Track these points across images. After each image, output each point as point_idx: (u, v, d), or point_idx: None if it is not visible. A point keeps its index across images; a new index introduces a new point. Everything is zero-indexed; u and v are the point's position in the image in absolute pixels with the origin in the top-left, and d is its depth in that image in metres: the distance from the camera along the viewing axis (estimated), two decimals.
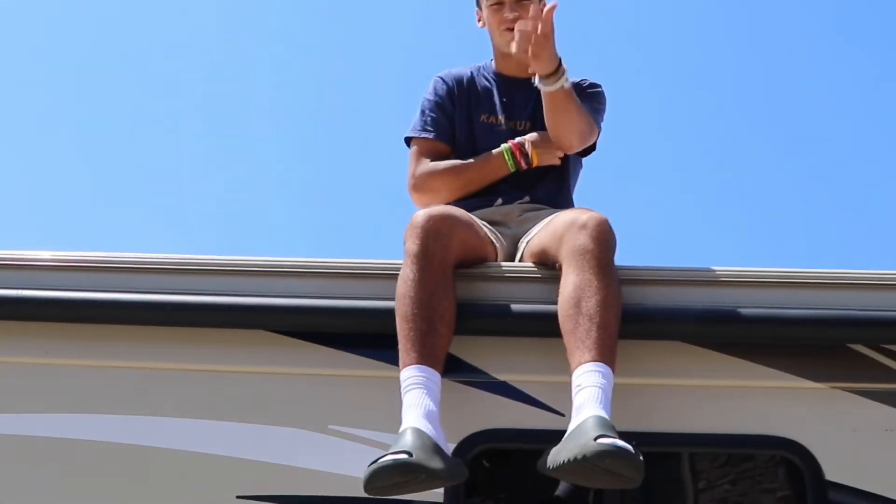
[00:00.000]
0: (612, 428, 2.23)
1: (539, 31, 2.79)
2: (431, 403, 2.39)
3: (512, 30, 3.10)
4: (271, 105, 10.24)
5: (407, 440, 2.28)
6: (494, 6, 3.18)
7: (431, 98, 3.25)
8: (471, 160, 3.11)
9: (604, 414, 2.27)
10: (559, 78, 2.89)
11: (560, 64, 2.89)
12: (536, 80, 2.93)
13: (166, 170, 10.02)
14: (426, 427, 2.32)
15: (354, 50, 10.21)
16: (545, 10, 2.84)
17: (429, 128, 3.21)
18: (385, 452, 2.26)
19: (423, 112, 3.24)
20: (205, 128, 10.06)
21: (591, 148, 3.21)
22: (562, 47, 2.90)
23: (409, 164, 3.19)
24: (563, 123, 3.00)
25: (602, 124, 3.21)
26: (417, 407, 2.37)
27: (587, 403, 2.30)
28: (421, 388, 2.40)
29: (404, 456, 2.23)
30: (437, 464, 2.25)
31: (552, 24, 2.81)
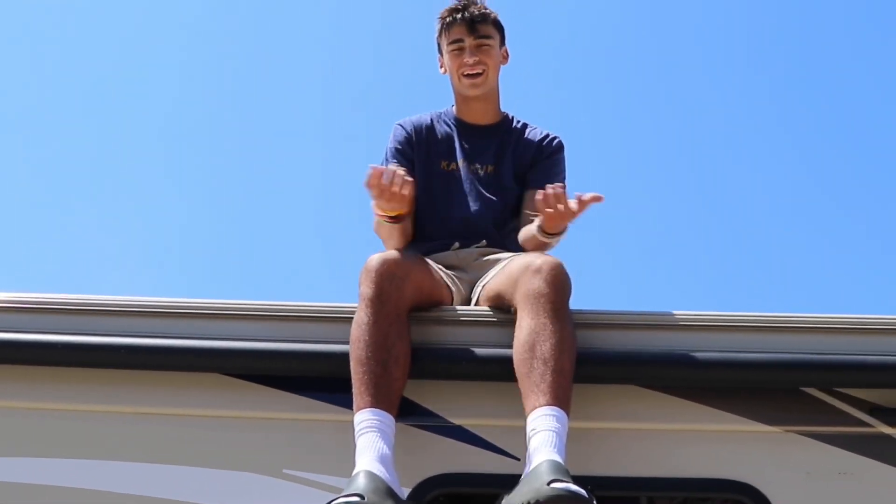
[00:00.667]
0: (567, 472, 2.22)
1: (572, 212, 2.74)
2: (385, 447, 2.38)
3: (469, 76, 3.16)
4: (229, 141, 10.18)
5: (360, 483, 2.26)
6: (455, 51, 3.20)
7: (392, 146, 3.26)
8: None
9: (558, 458, 2.27)
10: (560, 235, 2.88)
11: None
12: (537, 230, 2.89)
13: (117, 206, 9.92)
14: (379, 470, 2.30)
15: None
16: (590, 198, 2.74)
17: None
18: (337, 496, 2.24)
19: (385, 160, 3.24)
20: (155, 158, 9.92)
21: None
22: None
23: None
24: (540, 248, 2.97)
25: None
26: (371, 450, 2.36)
27: (541, 448, 2.30)
28: (375, 431, 2.39)
29: (356, 499, 2.22)
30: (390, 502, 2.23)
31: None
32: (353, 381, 2.48)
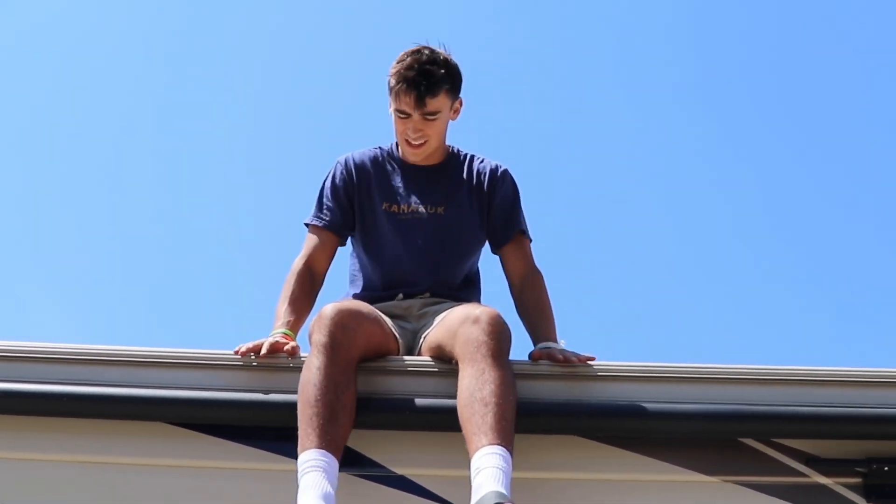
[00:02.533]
0: (511, 501, 2.25)
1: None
2: (329, 487, 2.37)
3: (412, 146, 3.07)
4: (172, 180, 10.00)
5: None
6: (400, 118, 3.05)
7: (329, 185, 3.18)
8: (283, 299, 2.98)
9: (503, 490, 2.28)
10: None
11: None
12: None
13: (58, 246, 9.72)
14: None
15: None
16: (586, 358, 2.77)
17: (322, 216, 3.16)
18: None
19: (319, 198, 3.19)
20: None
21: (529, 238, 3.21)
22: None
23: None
24: None
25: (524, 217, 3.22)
26: (315, 489, 2.34)
27: (486, 482, 2.30)
28: (319, 471, 2.38)
29: None
30: None
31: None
32: (300, 422, 2.48)
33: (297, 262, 3.08)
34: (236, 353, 2.73)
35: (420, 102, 2.99)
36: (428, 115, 3.03)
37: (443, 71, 3.01)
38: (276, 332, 2.84)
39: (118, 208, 9.54)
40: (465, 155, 3.25)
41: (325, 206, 3.17)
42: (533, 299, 3.04)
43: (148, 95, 9.53)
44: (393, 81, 3.02)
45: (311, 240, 3.14)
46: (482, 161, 3.24)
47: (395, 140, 3.21)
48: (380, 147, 3.26)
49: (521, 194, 3.23)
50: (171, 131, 9.68)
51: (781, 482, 2.66)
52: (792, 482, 2.66)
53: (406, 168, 3.19)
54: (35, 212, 9.40)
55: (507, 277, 3.16)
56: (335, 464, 2.42)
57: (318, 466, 2.39)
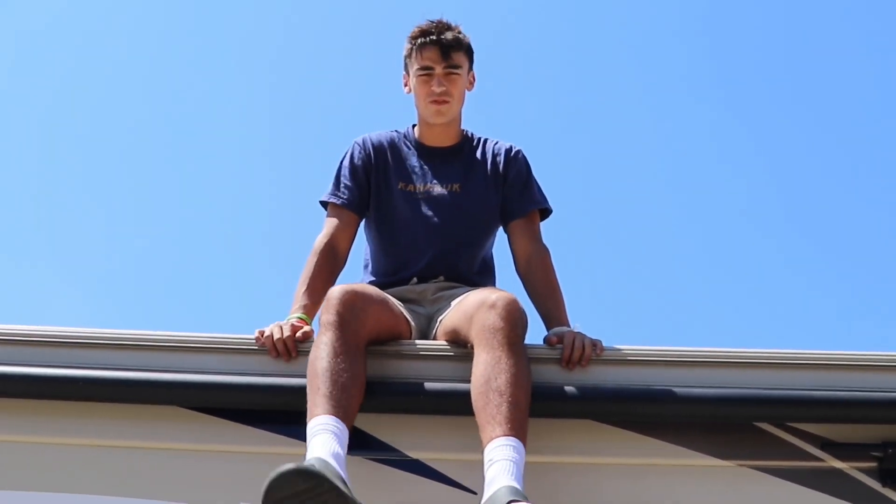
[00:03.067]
0: (524, 497, 2.24)
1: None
2: (339, 448, 2.34)
3: (437, 102, 3.11)
4: (180, 164, 10.02)
5: (310, 458, 2.26)
6: (423, 76, 3.12)
7: (347, 164, 3.20)
8: (303, 279, 2.99)
9: (516, 485, 2.28)
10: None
11: None
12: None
13: (78, 228, 9.75)
14: (332, 461, 2.28)
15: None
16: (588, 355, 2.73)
17: (339, 194, 3.17)
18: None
19: (336, 177, 3.20)
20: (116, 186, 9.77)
21: (549, 212, 3.22)
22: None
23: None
24: None
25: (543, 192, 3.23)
26: (324, 446, 2.32)
27: (499, 476, 2.31)
28: (329, 433, 2.36)
29: (307, 464, 2.20)
30: (341, 483, 2.20)
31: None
32: (309, 393, 2.46)
33: (319, 241, 3.08)
34: (256, 340, 2.73)
35: (444, 54, 3.10)
36: (451, 69, 3.11)
37: (460, 33, 3.13)
38: (292, 317, 2.84)
39: (134, 195, 9.60)
40: (480, 138, 3.29)
41: (342, 185, 3.18)
42: (541, 278, 3.04)
43: (165, 87, 9.61)
44: (415, 41, 3.13)
45: (331, 219, 3.14)
46: (496, 143, 3.27)
47: (412, 124, 3.27)
48: (396, 130, 3.29)
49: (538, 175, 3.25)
50: (186, 121, 9.74)
51: (797, 466, 2.65)
52: (807, 466, 2.65)
53: (422, 149, 3.22)
54: (52, 198, 9.47)
55: (513, 253, 3.16)
56: (346, 431, 2.40)
57: (327, 430, 2.36)
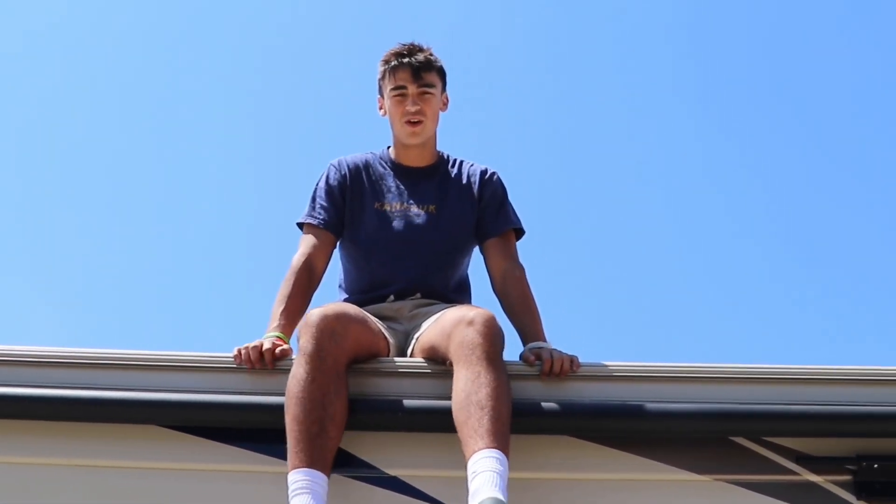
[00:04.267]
0: None
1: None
2: None
3: (411, 123, 3.14)
4: (174, 181, 9.97)
5: None
6: (397, 97, 3.16)
7: (323, 186, 3.22)
8: (280, 298, 2.99)
9: (500, 496, 2.30)
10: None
11: None
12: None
13: (52, 249, 9.68)
14: None
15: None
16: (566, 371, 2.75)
17: (316, 214, 3.18)
18: None
19: (312, 199, 3.22)
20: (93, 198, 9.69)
21: (522, 232, 3.24)
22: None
23: None
24: None
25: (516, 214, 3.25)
26: None
27: (483, 487, 2.32)
28: (307, 492, 2.41)
29: None
30: None
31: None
32: (289, 437, 2.49)
33: (296, 261, 3.09)
34: (235, 357, 2.74)
35: (416, 74, 3.15)
36: (424, 88, 3.16)
37: (431, 55, 3.19)
38: (269, 336, 2.85)
39: (111, 211, 9.55)
40: (456, 159, 3.32)
41: (318, 206, 3.19)
42: (517, 294, 3.06)
43: (143, 94, 9.56)
44: (388, 63, 3.19)
45: (307, 239, 3.15)
46: (472, 164, 3.30)
47: (388, 146, 3.30)
48: (372, 152, 3.32)
49: (514, 195, 3.27)
50: (166, 131, 9.70)
51: (773, 480, 2.67)
52: (783, 480, 2.67)
53: (398, 169, 3.24)
54: (28, 213, 9.41)
55: (489, 271, 3.18)
56: (324, 481, 2.45)
57: (306, 488, 2.42)
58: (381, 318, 3.00)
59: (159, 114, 9.67)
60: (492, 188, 3.24)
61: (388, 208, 3.17)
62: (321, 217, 3.17)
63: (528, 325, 2.97)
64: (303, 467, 2.44)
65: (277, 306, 2.96)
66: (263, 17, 9.68)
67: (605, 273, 9.54)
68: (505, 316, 3.04)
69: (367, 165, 3.25)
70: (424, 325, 2.91)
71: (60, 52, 9.43)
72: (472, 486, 2.34)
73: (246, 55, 9.72)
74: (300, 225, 3.21)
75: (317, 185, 3.25)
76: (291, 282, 3.02)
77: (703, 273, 9.74)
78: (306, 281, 3.05)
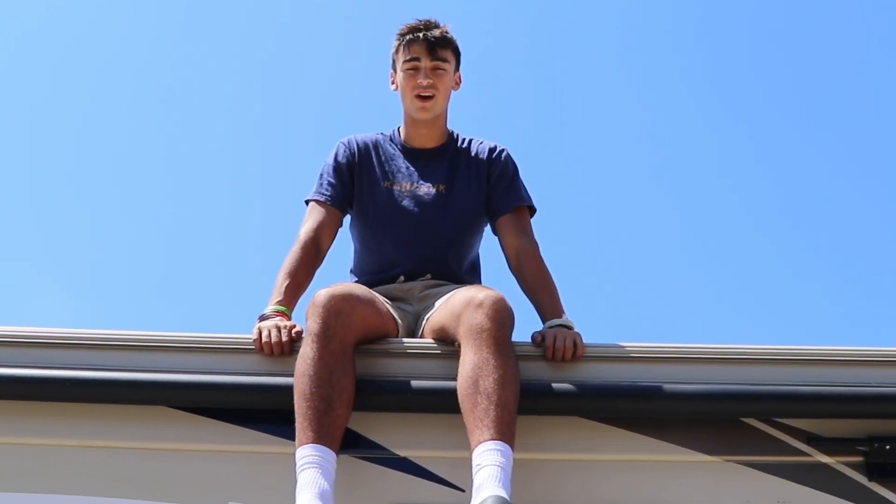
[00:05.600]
0: None
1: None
2: (325, 483, 2.39)
3: (422, 97, 3.12)
4: (185, 162, 9.97)
5: None
6: (410, 70, 3.14)
7: (331, 163, 3.21)
8: (284, 270, 2.99)
9: (503, 493, 2.30)
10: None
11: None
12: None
13: (63, 232, 9.70)
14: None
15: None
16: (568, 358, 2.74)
17: (323, 191, 3.17)
18: None
19: (321, 175, 3.21)
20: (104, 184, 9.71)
21: (533, 210, 3.21)
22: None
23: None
24: None
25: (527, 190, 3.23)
26: (311, 486, 2.37)
27: (487, 483, 2.33)
28: (316, 467, 2.41)
29: None
30: None
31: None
32: (297, 415, 2.49)
33: (303, 235, 3.08)
34: (255, 342, 2.73)
35: (431, 48, 3.14)
36: (438, 62, 3.14)
37: (447, 32, 3.17)
38: (270, 309, 2.85)
39: (121, 197, 9.58)
40: (465, 138, 3.29)
41: (326, 182, 3.18)
42: (533, 271, 3.03)
43: (152, 88, 9.58)
44: (403, 37, 3.17)
45: (314, 214, 3.14)
46: (481, 142, 3.27)
47: (397, 126, 3.28)
48: (382, 133, 3.30)
49: (525, 178, 3.25)
50: (174, 123, 9.73)
51: (783, 461, 2.67)
52: (794, 461, 2.66)
53: (407, 150, 3.22)
54: (38, 195, 9.44)
55: (503, 249, 3.16)
56: (332, 457, 2.45)
57: (314, 463, 2.41)
58: (392, 298, 2.99)
59: (166, 100, 9.71)
60: (501, 165, 3.21)
61: (397, 188, 3.15)
62: (328, 194, 3.16)
63: (546, 301, 2.95)
64: (310, 443, 2.44)
65: (282, 279, 2.96)
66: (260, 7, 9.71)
67: (614, 255, 9.54)
68: (523, 294, 3.03)
69: (376, 145, 3.24)
70: (435, 306, 2.90)
71: (61, 48, 9.48)
72: (476, 480, 2.35)
73: (248, 39, 9.74)
74: (308, 202, 3.20)
75: (325, 162, 3.24)
76: (297, 255, 3.02)
77: (714, 255, 9.73)
78: (312, 256, 3.04)
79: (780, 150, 9.59)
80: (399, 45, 3.18)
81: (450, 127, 3.29)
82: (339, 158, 3.22)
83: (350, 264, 3.28)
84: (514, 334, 2.63)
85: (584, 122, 9.87)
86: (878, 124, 9.60)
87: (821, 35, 9.67)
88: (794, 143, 9.62)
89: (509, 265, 3.12)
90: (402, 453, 2.62)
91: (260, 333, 2.74)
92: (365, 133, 3.29)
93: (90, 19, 9.61)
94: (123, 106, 9.57)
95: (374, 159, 3.21)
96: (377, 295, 2.89)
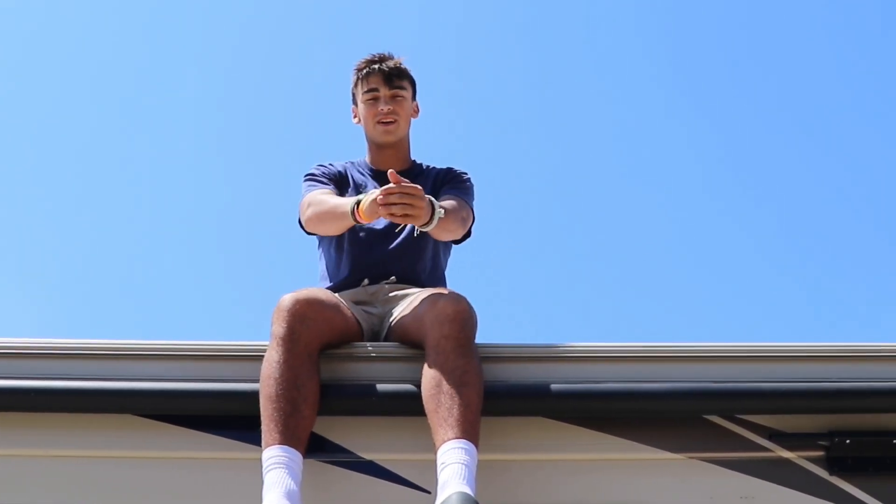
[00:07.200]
0: (475, 502, 2.28)
1: (405, 200, 2.74)
2: (292, 483, 2.41)
3: (384, 122, 3.24)
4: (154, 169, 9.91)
5: None
6: (370, 100, 3.27)
7: (317, 173, 3.29)
8: (334, 201, 3.08)
9: (468, 490, 2.32)
10: (434, 217, 2.81)
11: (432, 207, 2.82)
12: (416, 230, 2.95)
13: (26, 240, 9.61)
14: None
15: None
16: (392, 178, 2.75)
17: (323, 180, 3.26)
18: None
19: (312, 181, 3.26)
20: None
21: (467, 234, 3.25)
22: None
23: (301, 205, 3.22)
24: (443, 235, 3.08)
25: (475, 211, 3.27)
26: (278, 486, 2.39)
27: (451, 480, 2.35)
28: (283, 467, 2.43)
29: None
30: None
31: (408, 187, 2.75)
32: (263, 417, 2.51)
33: (317, 194, 3.16)
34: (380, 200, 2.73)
35: (388, 78, 3.27)
36: (396, 90, 3.27)
37: (401, 63, 3.32)
38: (356, 198, 2.92)
39: (85, 202, 9.53)
40: (430, 165, 3.40)
41: (321, 182, 3.26)
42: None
43: (125, 90, 9.55)
44: (360, 71, 3.31)
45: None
46: (444, 167, 3.37)
47: (363, 157, 3.38)
48: (350, 161, 3.40)
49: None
50: (148, 126, 9.69)
51: (746, 457, 2.69)
52: (756, 457, 2.68)
53: (376, 174, 3.30)
54: (2, 205, 9.37)
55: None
56: (298, 458, 2.47)
57: (281, 463, 2.43)
58: (357, 302, 3.02)
59: (136, 102, 9.65)
60: (455, 176, 3.31)
61: None
62: (327, 183, 3.25)
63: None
64: (277, 444, 2.46)
65: (335, 200, 3.07)
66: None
67: (576, 254, 9.58)
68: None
69: (346, 169, 3.35)
70: (398, 309, 2.93)
71: (38, 46, 9.43)
72: (440, 478, 2.38)
73: (236, 41, 9.74)
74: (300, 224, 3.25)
75: (309, 174, 3.30)
76: (325, 194, 3.14)
77: (673, 251, 9.79)
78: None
79: (750, 148, 9.67)
80: (357, 78, 3.32)
81: (414, 157, 3.38)
82: (325, 169, 3.32)
83: (319, 276, 3.30)
84: (477, 336, 2.65)
85: (562, 123, 9.92)
86: (854, 124, 9.68)
87: (794, 36, 9.76)
88: (767, 141, 9.69)
89: None
90: (367, 456, 2.63)
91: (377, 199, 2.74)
92: (334, 161, 3.39)
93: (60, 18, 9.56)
94: (83, 106, 9.51)
95: (344, 181, 3.30)
96: (342, 299, 2.91)
